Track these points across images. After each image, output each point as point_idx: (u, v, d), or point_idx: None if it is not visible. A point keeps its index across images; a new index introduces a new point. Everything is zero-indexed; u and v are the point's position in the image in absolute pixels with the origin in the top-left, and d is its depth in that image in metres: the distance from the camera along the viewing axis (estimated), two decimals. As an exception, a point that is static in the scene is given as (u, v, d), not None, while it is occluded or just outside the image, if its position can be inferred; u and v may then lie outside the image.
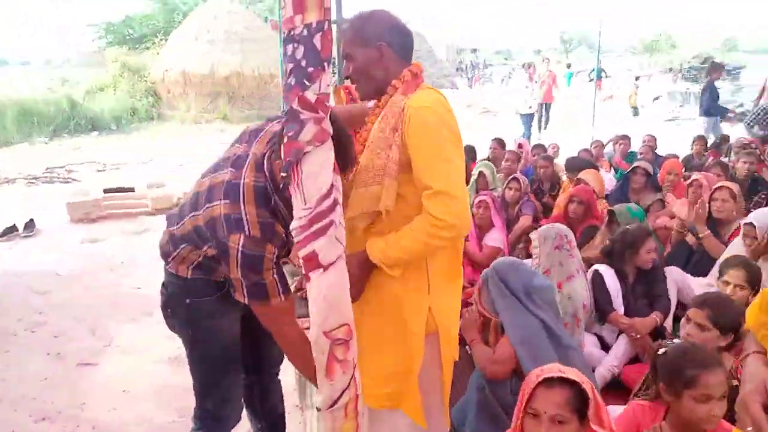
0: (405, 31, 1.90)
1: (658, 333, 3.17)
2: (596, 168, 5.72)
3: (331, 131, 1.51)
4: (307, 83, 1.43)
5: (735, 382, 2.04)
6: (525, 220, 4.79)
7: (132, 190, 7.59)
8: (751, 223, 3.54)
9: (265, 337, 2.30)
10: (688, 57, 32.32)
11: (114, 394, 3.33)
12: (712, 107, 8.82)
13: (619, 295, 3.21)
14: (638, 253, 3.26)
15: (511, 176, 5.16)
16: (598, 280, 3.23)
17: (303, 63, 1.43)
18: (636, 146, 7.49)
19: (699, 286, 3.66)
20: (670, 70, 29.85)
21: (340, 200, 1.55)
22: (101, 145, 13.27)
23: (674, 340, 1.94)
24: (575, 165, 5.43)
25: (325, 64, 1.45)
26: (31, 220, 6.55)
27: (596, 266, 3.31)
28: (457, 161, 1.78)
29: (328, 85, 1.48)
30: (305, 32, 1.43)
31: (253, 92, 17.63)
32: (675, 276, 3.53)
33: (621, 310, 3.18)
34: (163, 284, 2.10)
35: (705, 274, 3.79)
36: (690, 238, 4.06)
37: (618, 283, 3.23)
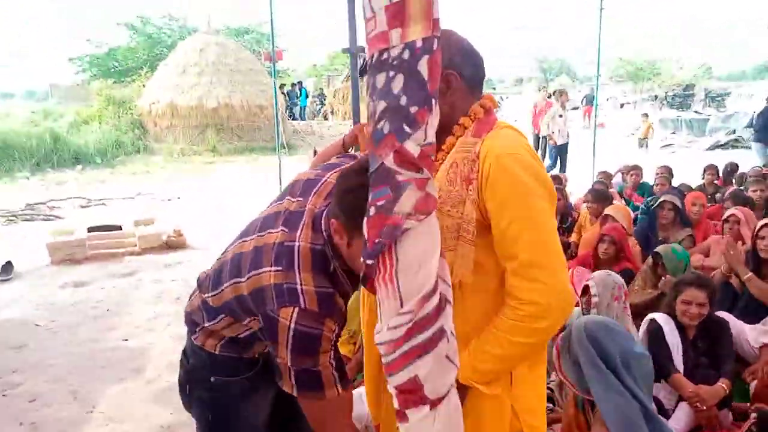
0: (477, 56, 1.52)
1: (722, 400, 2.78)
2: (611, 201, 5.43)
3: (435, 194, 1.08)
4: (407, 130, 1.01)
5: None
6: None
7: (119, 228, 7.14)
8: None
9: (296, 419, 1.91)
10: (669, 85, 32.69)
11: (99, 474, 2.87)
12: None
13: (680, 350, 2.83)
14: (674, 302, 2.91)
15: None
16: (655, 332, 2.85)
17: (402, 100, 1.01)
18: (646, 177, 7.24)
19: (754, 333, 3.31)
20: (656, 97, 30.08)
21: (451, 298, 1.13)
22: (85, 179, 12.80)
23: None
24: (600, 196, 5.09)
25: (434, 101, 1.04)
26: (9, 262, 6.07)
27: (653, 315, 2.93)
28: (551, 224, 1.40)
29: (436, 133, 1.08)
30: (406, 54, 1.01)
31: (242, 124, 17.39)
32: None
33: (681, 368, 2.80)
34: (185, 353, 1.74)
35: (755, 320, 3.45)
36: (735, 280, 3.72)
37: (678, 336, 2.86)
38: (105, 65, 26.12)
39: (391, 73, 1.02)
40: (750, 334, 3.31)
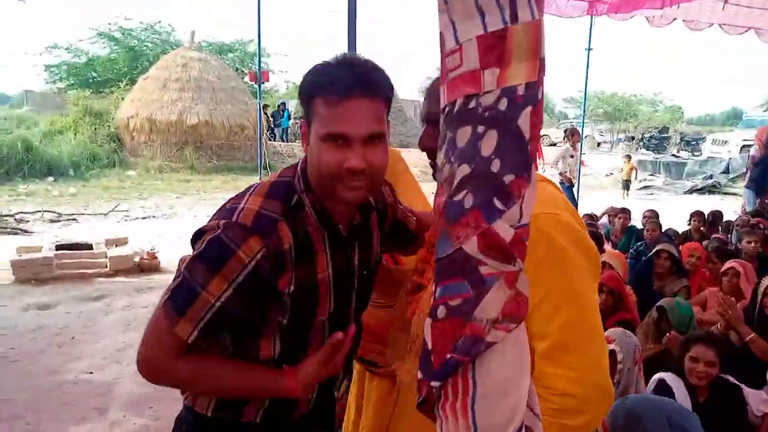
0: None
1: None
2: (603, 246, 5.32)
3: (527, 293, 0.83)
4: (499, 205, 0.78)
5: None
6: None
7: (89, 247, 6.80)
8: None
9: None
10: (645, 127, 33.31)
11: None
12: (763, 184, 8.60)
13: (691, 415, 2.67)
14: (682, 360, 2.78)
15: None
16: (665, 395, 2.68)
17: (494, 165, 0.77)
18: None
19: (756, 400, 3.17)
20: (632, 138, 30.60)
21: None
22: (56, 192, 12.36)
23: None
24: (595, 240, 4.94)
25: (533, 167, 0.81)
26: (-32, 279, 5.72)
27: (662, 375, 2.77)
28: (593, 300, 1.21)
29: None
30: (503, 104, 0.76)
31: (222, 143, 17.12)
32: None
33: (694, 434, 2.64)
34: (179, 419, 1.49)
35: (757, 381, 3.31)
36: (734, 336, 3.60)
37: (689, 399, 2.70)
38: (83, 75, 25.66)
39: (480, 128, 0.77)
40: (752, 399, 3.16)
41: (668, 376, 2.77)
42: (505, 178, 0.77)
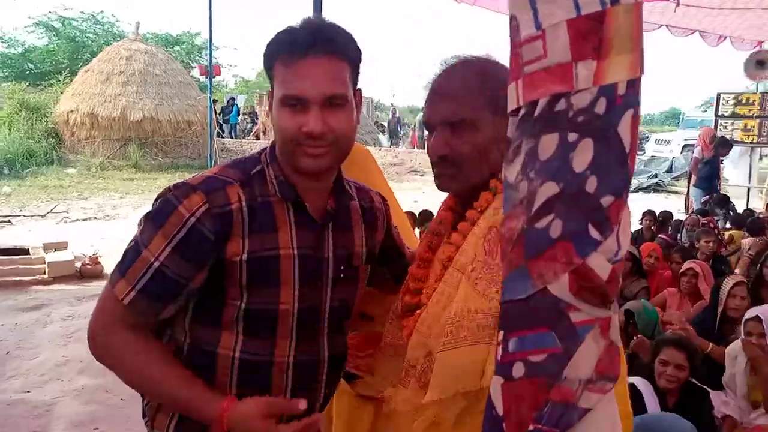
0: None
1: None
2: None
3: (620, 342, 0.69)
4: (595, 235, 0.62)
5: None
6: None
7: (26, 252, 6.40)
8: (757, 317, 3.11)
9: None
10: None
11: None
12: (711, 183, 8.80)
13: (661, 420, 2.64)
14: (651, 364, 2.77)
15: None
16: (634, 399, 2.64)
17: (590, 184, 0.62)
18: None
19: (717, 401, 3.18)
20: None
21: None
22: (-12, 191, 11.68)
23: None
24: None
25: (630, 182, 0.66)
26: None
27: (631, 379, 2.73)
28: None
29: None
30: (601, 106, 0.61)
31: (168, 139, 16.54)
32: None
33: (663, 439, 2.61)
34: None
35: (713, 384, 3.33)
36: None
37: (657, 403, 2.68)
38: (18, 67, 24.48)
39: (572, 137, 0.62)
40: (714, 399, 3.19)
41: (637, 381, 2.74)
42: (603, 199, 0.62)
